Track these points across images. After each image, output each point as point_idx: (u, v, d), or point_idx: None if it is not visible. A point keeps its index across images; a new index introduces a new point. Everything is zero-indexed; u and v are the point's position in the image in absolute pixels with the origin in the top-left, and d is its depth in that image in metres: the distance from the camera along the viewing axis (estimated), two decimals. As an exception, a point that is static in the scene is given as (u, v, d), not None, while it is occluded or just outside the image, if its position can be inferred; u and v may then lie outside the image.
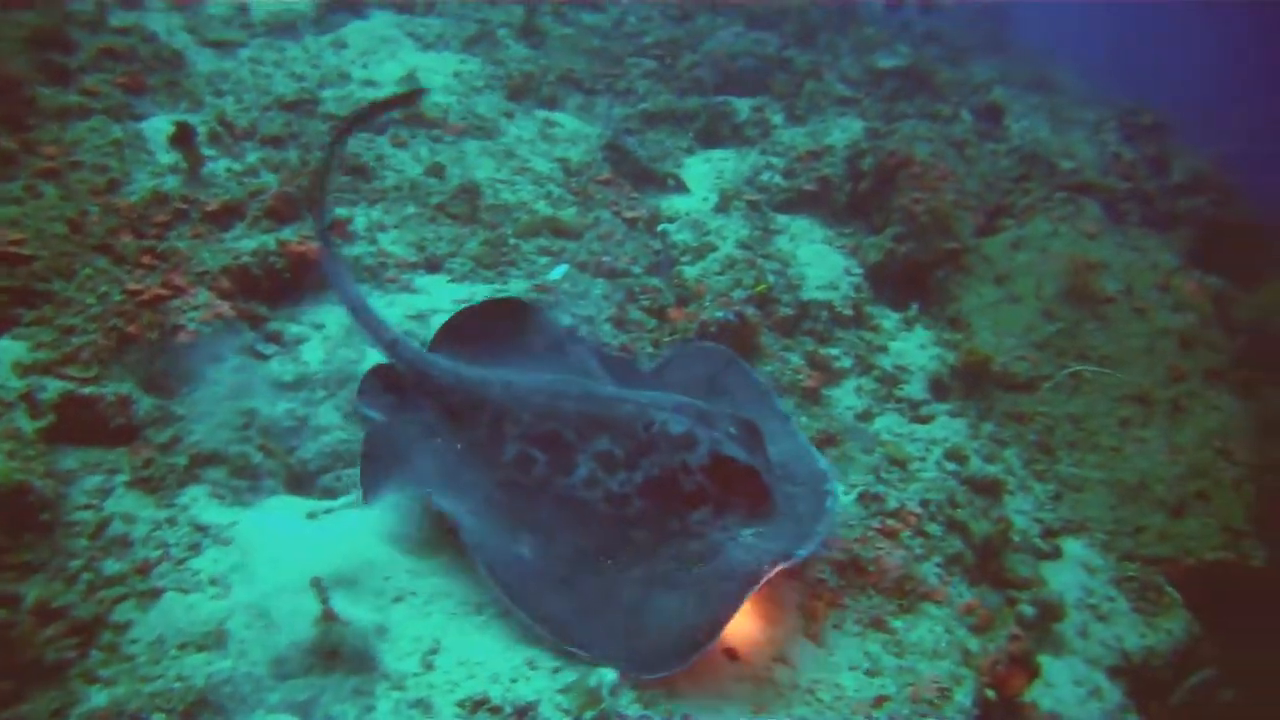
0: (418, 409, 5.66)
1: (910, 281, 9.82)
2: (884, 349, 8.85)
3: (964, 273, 9.77)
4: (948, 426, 8.19)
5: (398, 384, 5.80)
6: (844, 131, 11.17)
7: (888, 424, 8.01)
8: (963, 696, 5.36)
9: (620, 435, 5.21)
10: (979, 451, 7.92)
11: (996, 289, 9.53)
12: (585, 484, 5.14)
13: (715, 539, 5.01)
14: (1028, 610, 6.63)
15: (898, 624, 5.75)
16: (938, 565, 6.38)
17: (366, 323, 5.92)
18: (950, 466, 7.61)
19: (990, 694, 5.45)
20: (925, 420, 8.21)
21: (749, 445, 5.33)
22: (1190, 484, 8.17)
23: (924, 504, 6.81)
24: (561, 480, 5.17)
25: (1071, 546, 7.51)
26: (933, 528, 6.69)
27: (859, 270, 9.60)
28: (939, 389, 8.59)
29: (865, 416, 8.03)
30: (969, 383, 8.64)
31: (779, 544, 4.93)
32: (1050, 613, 6.67)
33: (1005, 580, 6.92)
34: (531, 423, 5.34)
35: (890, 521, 6.45)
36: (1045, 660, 6.31)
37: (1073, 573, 7.28)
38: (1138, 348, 9.07)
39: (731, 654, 5.12)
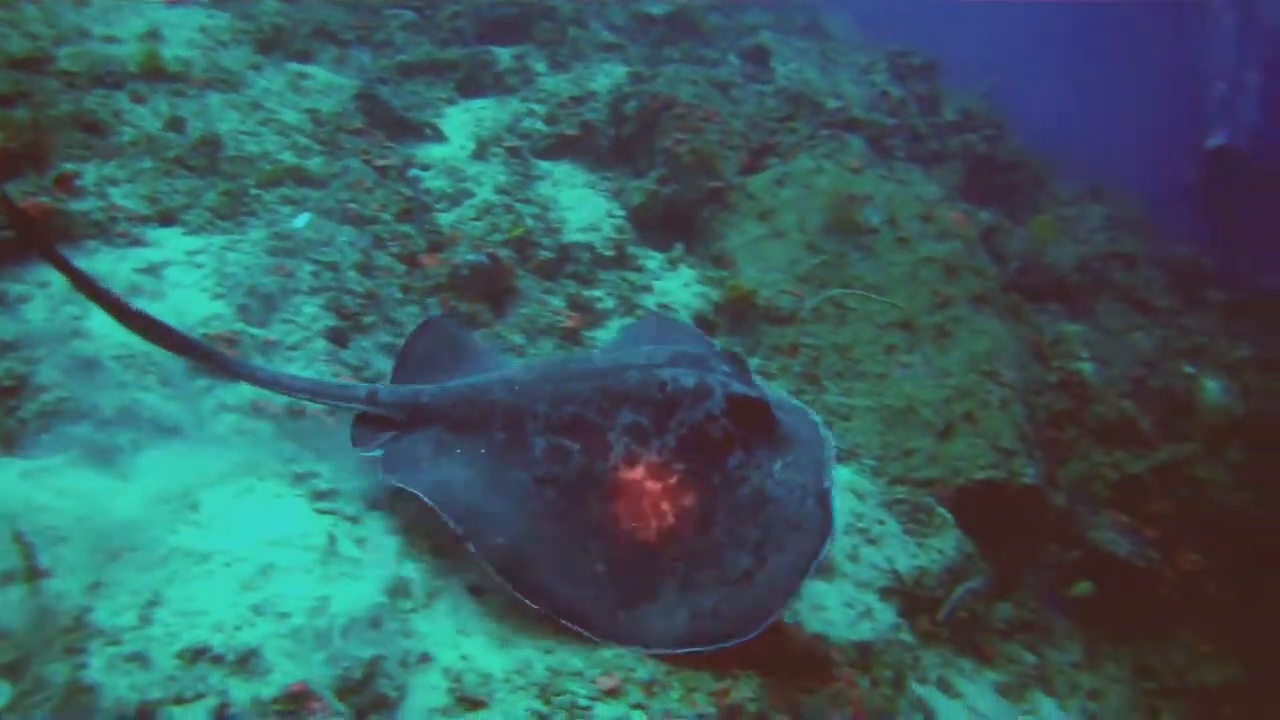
0: (421, 432, 5.35)
1: (675, 222, 9.74)
2: (648, 289, 8.75)
3: (728, 211, 9.74)
4: (713, 363, 8.11)
5: (388, 424, 5.45)
6: (608, 77, 11.05)
7: (653, 362, 7.90)
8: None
9: (639, 403, 5.05)
10: (745, 385, 7.86)
11: (761, 225, 9.50)
12: (625, 462, 4.95)
13: (756, 480, 4.91)
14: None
15: (653, 553, 5.62)
16: (696, 494, 6.27)
17: (331, 395, 5.53)
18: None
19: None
20: (690, 357, 8.12)
21: (742, 378, 5.25)
22: (957, 406, 8.24)
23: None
24: (601, 465, 4.97)
25: (840, 473, 7.48)
26: (694, 460, 6.59)
27: (621, 212, 9.48)
28: (704, 326, 8.52)
29: (630, 356, 7.91)
30: (734, 318, 8.61)
31: (806, 475, 4.90)
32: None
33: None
34: (549, 413, 5.11)
35: (648, 455, 6.32)
36: (815, 585, 6.29)
37: (842, 499, 7.23)
38: (901, 276, 9.13)
39: (476, 591, 4.96)
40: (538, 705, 4.40)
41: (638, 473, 4.93)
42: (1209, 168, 20.85)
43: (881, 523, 7.21)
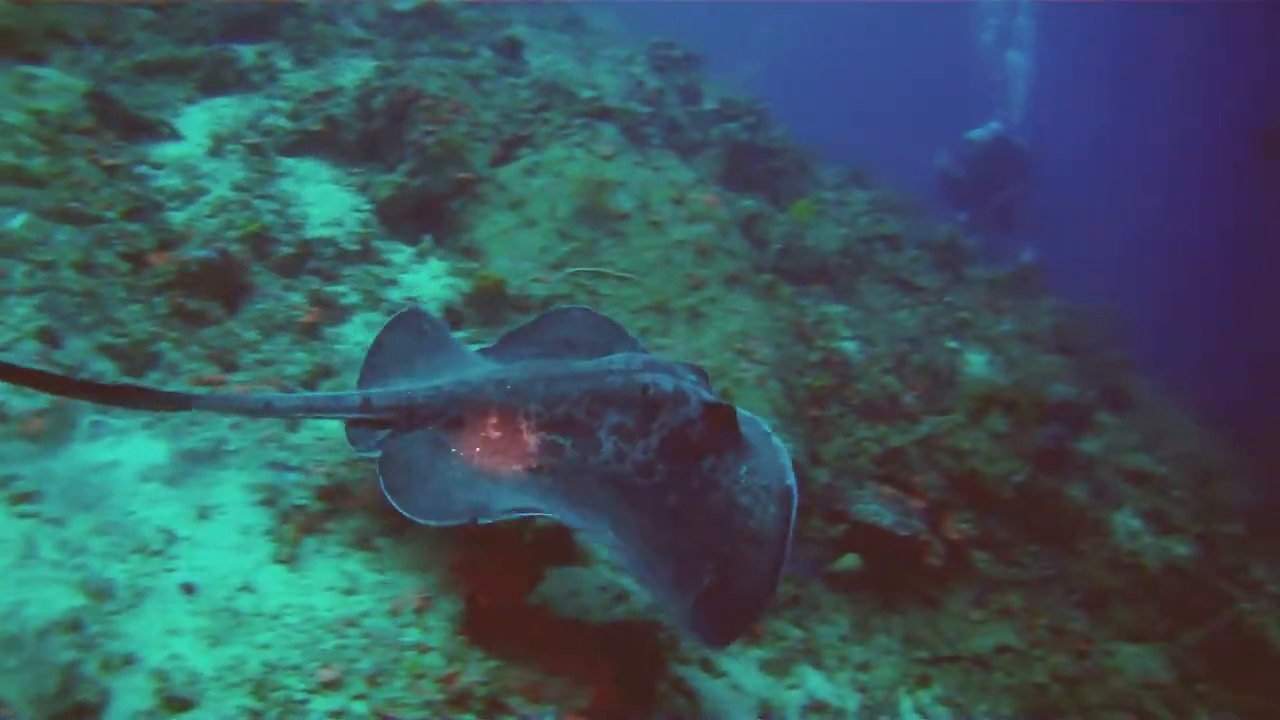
0: (415, 432, 5.47)
1: (425, 215, 9.59)
2: (394, 282, 8.60)
3: (479, 202, 9.65)
4: (463, 353, 8.03)
5: (383, 424, 5.57)
6: (355, 72, 10.81)
7: (398, 356, 7.77)
8: (450, 604, 5.19)
9: (624, 405, 5.32)
10: (496, 372, 7.77)
11: (512, 215, 9.44)
12: (615, 458, 5.21)
13: (725, 484, 5.15)
14: (541, 520, 6.53)
15: (383, 542, 5.53)
16: (436, 484, 6.18)
17: (327, 408, 5.74)
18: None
19: (485, 599, 5.31)
20: (438, 350, 8.02)
21: (708, 388, 5.61)
22: (714, 384, 8.23)
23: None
24: (594, 459, 5.22)
25: (594, 459, 7.43)
26: (439, 448, 6.49)
27: (368, 206, 9.31)
28: (452, 317, 8.40)
29: (375, 350, 7.78)
30: (485, 309, 8.48)
31: (769, 479, 5.12)
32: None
33: (521, 495, 6.78)
34: (542, 411, 5.36)
35: (383, 444, 6.21)
36: (570, 571, 6.23)
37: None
38: (654, 260, 9.14)
39: (189, 589, 4.78)
40: (251, 702, 4.32)
41: (626, 468, 5.18)
42: (974, 154, 21.52)
43: (636, 505, 7.15)
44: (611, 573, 6.57)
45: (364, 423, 5.58)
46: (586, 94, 11.57)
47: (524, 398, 5.41)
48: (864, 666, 7.95)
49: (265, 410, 5.61)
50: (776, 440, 5.53)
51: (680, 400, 5.30)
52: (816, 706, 7.32)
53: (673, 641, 6.66)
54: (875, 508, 8.58)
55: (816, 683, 7.56)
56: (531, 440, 5.31)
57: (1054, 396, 11.83)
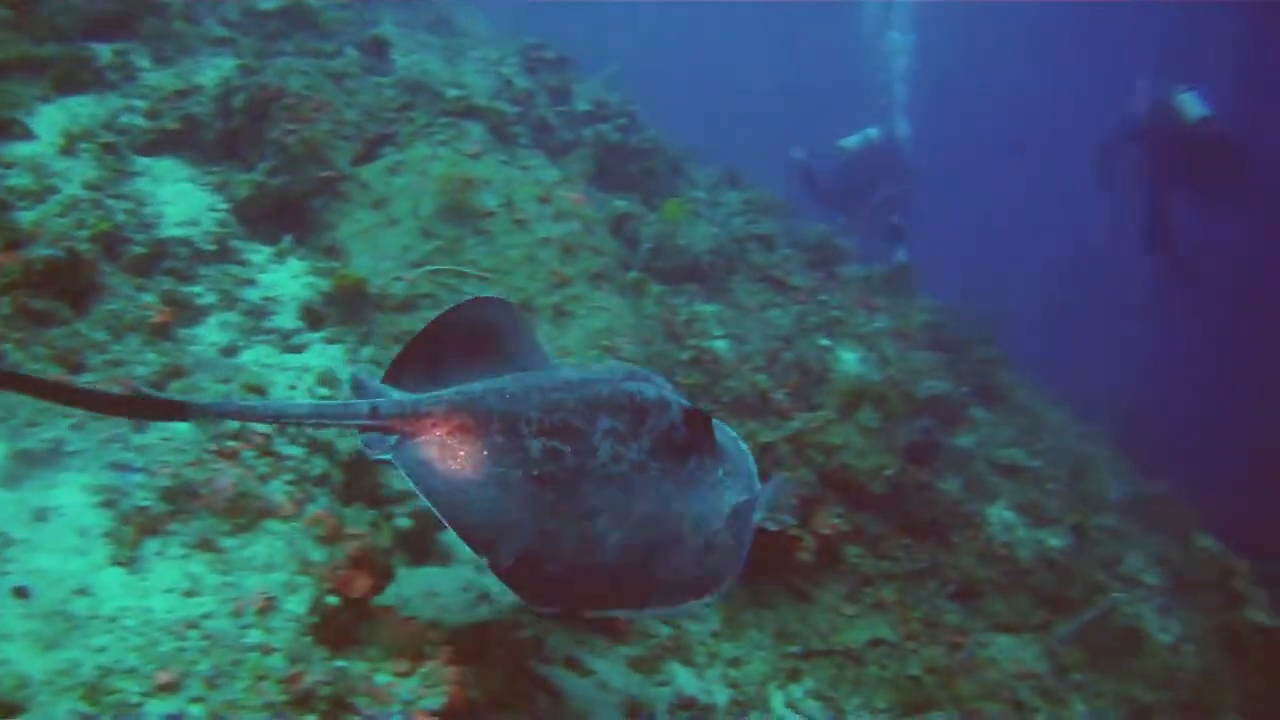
0: (423, 438, 5.45)
1: (284, 214, 9.45)
2: (252, 282, 8.48)
3: (341, 200, 9.53)
4: (323, 354, 7.95)
5: (390, 430, 5.51)
6: (216, 70, 10.64)
7: (257, 356, 7.68)
8: (296, 605, 5.15)
9: (614, 411, 5.44)
10: (356, 374, 7.70)
11: (374, 214, 9.34)
12: (612, 460, 5.31)
13: (709, 483, 5.32)
14: (404, 523, 6.52)
15: (230, 543, 5.45)
16: (288, 483, 6.10)
17: (336, 416, 5.62)
18: (322, 391, 7.42)
19: (332, 600, 5.26)
20: (298, 350, 7.94)
21: (684, 395, 5.71)
22: (577, 382, 8.24)
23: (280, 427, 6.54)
24: (593, 462, 5.30)
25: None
26: (292, 449, 6.41)
27: (225, 206, 9.15)
28: (312, 317, 8.32)
29: (231, 350, 7.65)
30: (346, 308, 8.39)
31: (741, 482, 5.40)
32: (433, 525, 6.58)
33: (381, 498, 6.81)
34: (541, 419, 5.40)
35: (230, 443, 6.11)
36: (429, 571, 6.19)
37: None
38: (519, 258, 9.12)
39: (22, 593, 4.66)
40: (83, 706, 4.25)
41: (623, 468, 5.29)
42: (846, 161, 21.67)
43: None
44: (476, 572, 6.53)
45: (373, 429, 5.57)
46: (452, 93, 11.52)
47: (524, 405, 5.48)
48: (735, 662, 7.99)
49: (276, 419, 5.68)
50: (743, 445, 5.78)
51: (663, 406, 5.44)
52: (685, 703, 7.32)
53: (538, 641, 6.64)
54: (743, 503, 8.62)
55: (685, 679, 7.57)
56: (534, 446, 5.35)
57: (926, 392, 11.99)
